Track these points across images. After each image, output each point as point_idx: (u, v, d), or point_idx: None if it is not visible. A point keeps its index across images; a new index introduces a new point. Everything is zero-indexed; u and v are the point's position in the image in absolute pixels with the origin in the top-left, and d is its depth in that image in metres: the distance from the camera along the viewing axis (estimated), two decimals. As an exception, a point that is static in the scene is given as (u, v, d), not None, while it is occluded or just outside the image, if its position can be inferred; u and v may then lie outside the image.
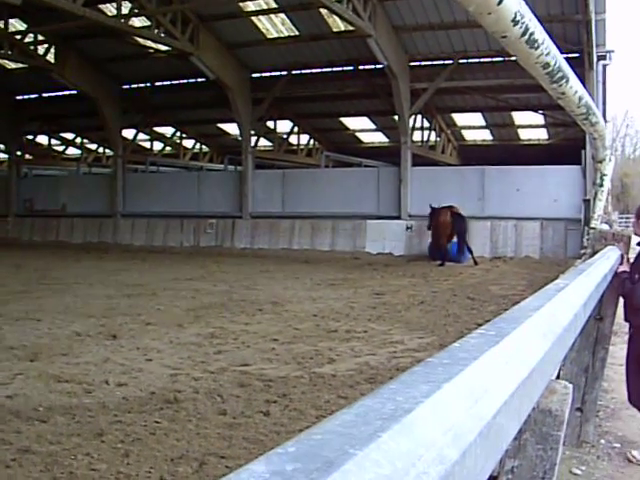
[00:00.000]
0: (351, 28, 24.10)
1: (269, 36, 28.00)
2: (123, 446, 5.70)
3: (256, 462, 0.83)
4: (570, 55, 22.35)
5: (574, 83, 6.76)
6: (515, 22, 4.21)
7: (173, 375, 8.10)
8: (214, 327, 11.27)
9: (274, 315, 12.72)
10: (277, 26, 27.46)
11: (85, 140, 43.34)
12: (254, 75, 30.70)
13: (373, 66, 27.45)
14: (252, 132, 31.34)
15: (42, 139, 42.74)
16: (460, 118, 36.85)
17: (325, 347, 9.84)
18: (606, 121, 25.04)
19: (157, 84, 33.26)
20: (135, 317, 12.14)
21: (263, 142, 37.14)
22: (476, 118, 36.39)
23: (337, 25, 26.14)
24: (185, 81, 32.22)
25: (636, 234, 6.29)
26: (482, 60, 27.58)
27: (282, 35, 27.89)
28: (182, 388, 7.49)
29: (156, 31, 24.30)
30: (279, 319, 12.28)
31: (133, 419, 6.41)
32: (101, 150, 43.83)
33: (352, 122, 38.54)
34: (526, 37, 4.52)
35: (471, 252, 23.30)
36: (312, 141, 40.48)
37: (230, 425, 6.33)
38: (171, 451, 5.62)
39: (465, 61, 27.48)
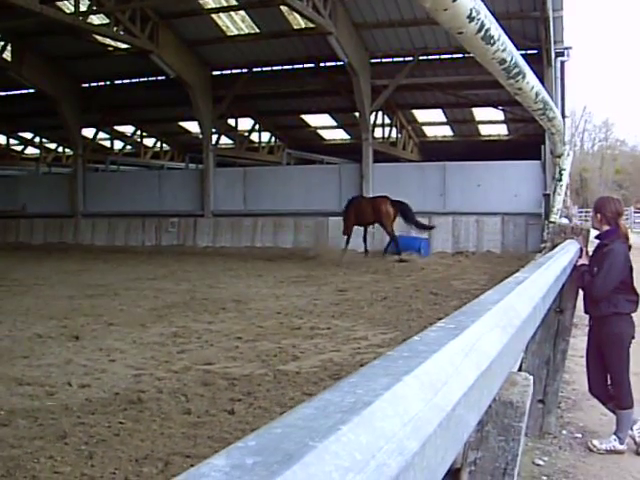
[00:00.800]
0: (311, 25, 24.06)
1: (229, 33, 27.85)
2: (87, 448, 5.65)
3: (217, 456, 0.83)
4: (529, 52, 22.64)
5: (531, 79, 6.84)
6: (471, 18, 4.25)
7: (136, 375, 8.05)
8: (177, 326, 11.21)
9: (237, 313, 12.69)
10: (237, 23, 27.33)
11: (44, 139, 42.82)
12: (215, 73, 30.56)
13: (334, 63, 27.39)
14: (213, 130, 31.21)
15: (0, 139, 42.19)
16: (421, 114, 37.00)
17: (289, 344, 9.84)
18: (564, 117, 25.35)
19: (117, 82, 32.93)
20: (97, 318, 12.03)
21: (224, 140, 36.99)
22: (437, 114, 36.56)
23: (298, 22, 26.09)
24: (145, 79, 31.90)
25: (595, 228, 6.37)
26: (442, 57, 27.68)
27: (242, 32, 27.76)
28: (146, 388, 7.44)
29: (115, 29, 24.02)
30: (242, 317, 12.25)
31: (96, 420, 6.36)
32: (61, 149, 43.40)
33: (313, 119, 38.54)
34: (482, 33, 4.56)
35: (397, 244, 23.37)
36: (273, 139, 40.42)
37: (194, 424, 6.31)
38: (135, 452, 5.58)
39: (425, 58, 27.59)
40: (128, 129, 40.63)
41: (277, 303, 13.96)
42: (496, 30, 4.80)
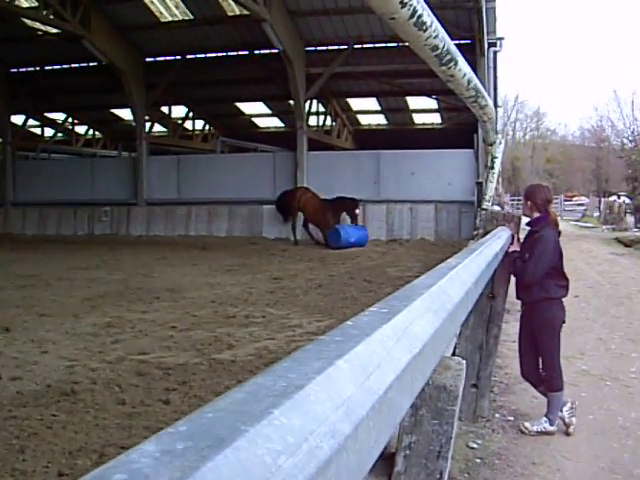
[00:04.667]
0: (246, 12, 23.96)
1: (163, 20, 27.53)
2: (18, 442, 5.54)
3: (147, 442, 0.82)
4: (462, 42, 22.82)
5: (463, 66, 6.90)
6: (403, 4, 4.26)
7: (69, 367, 7.92)
8: (111, 316, 11.06)
9: (172, 302, 12.59)
10: (171, 9, 27.02)
11: (-29, 127, 41.77)
12: (148, 60, 30.19)
13: (268, 51, 27.31)
14: (146, 118, 30.85)
15: None
16: (355, 103, 37.09)
17: (224, 333, 9.81)
18: (497, 106, 25.68)
19: (47, 68, 32.21)
20: (29, 309, 11.79)
21: (158, 128, 36.63)
22: (371, 103, 36.72)
23: (232, 9, 25.93)
24: (77, 65, 31.34)
25: (526, 215, 6.48)
26: (377, 45, 27.80)
27: (176, 19, 27.45)
28: (79, 379, 7.33)
29: (45, 12, 23.54)
30: (177, 306, 12.16)
31: (28, 413, 6.24)
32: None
33: (248, 107, 38.35)
34: (414, 19, 4.58)
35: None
36: (207, 126, 40.11)
37: (129, 415, 6.24)
38: (69, 444, 5.49)
39: (360, 46, 27.64)
40: (59, 116, 39.84)
41: (212, 292, 13.90)
42: (429, 17, 4.83)
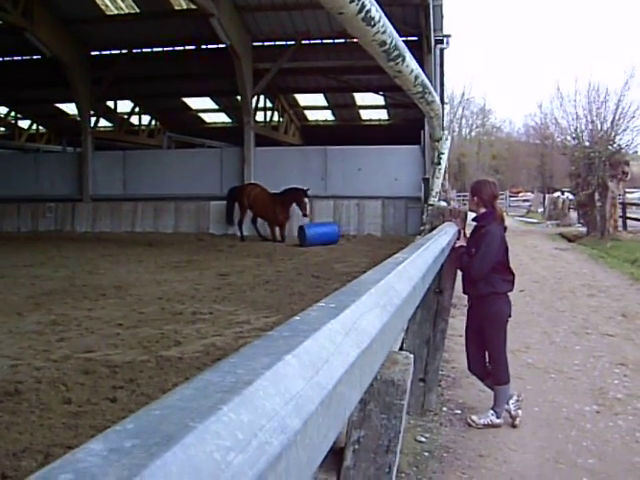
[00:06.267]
0: (193, 7, 23.81)
1: (108, 13, 27.16)
2: (-40, 443, 5.44)
3: (94, 441, 0.81)
4: (409, 39, 22.97)
5: (410, 62, 6.94)
6: None
7: (13, 366, 7.79)
8: (56, 314, 10.91)
9: (118, 300, 12.46)
10: (117, 2, 26.68)
11: None
12: (93, 53, 29.76)
13: (216, 45, 27.17)
14: (91, 112, 30.43)
15: None
16: (303, 98, 37.13)
17: (171, 330, 9.74)
18: (444, 102, 25.93)
19: (-13, 61, 31.65)
20: (-30, 307, 11.59)
21: (103, 123, 36.17)
22: (318, 99, 36.77)
23: (179, 3, 25.75)
24: (19, 58, 30.77)
25: (472, 210, 6.53)
26: (324, 41, 27.85)
27: (122, 12, 27.12)
28: (23, 379, 7.21)
29: (-16, 3, 23.06)
30: (123, 303, 12.04)
31: (-30, 413, 6.13)
32: None
33: (194, 102, 38.14)
34: (362, 14, 4.59)
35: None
36: (154, 121, 39.77)
37: (76, 414, 6.16)
38: (13, 445, 5.39)
39: (307, 42, 27.69)
40: (1, 110, 39.15)
41: (158, 288, 13.79)
42: (377, 12, 4.85)
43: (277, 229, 24.41)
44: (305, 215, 23.78)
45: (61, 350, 8.57)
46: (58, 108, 38.81)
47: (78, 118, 30.65)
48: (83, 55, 28.95)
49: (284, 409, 1.06)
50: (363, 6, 4.47)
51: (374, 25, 4.92)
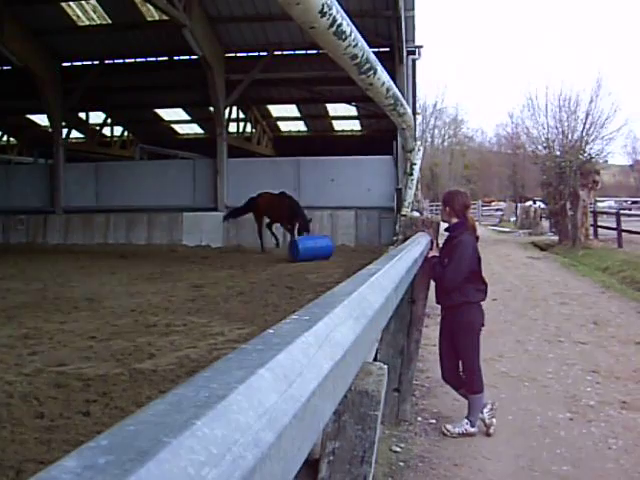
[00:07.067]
0: (165, 18, 23.77)
1: (80, 23, 27.07)
2: None
3: (67, 458, 0.81)
4: (381, 50, 23.08)
5: (382, 75, 6.98)
6: (323, 13, 4.29)
7: (-16, 380, 7.71)
8: (28, 327, 10.79)
9: (91, 312, 12.36)
10: (88, 13, 26.61)
11: None
12: (65, 64, 29.62)
13: (188, 57, 27.16)
14: (63, 124, 30.28)
15: None
16: (275, 109, 37.20)
17: (144, 342, 9.68)
18: (416, 113, 26.04)
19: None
20: (-60, 321, 11.45)
21: (75, 134, 36.00)
22: (291, 110, 36.85)
23: (151, 14, 25.72)
24: (-12, 69, 30.56)
25: (444, 220, 6.57)
26: (297, 52, 27.95)
27: (94, 23, 27.05)
28: (-6, 393, 7.14)
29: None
30: (96, 316, 11.94)
31: (-59, 428, 6.05)
32: None
33: (167, 114, 38.07)
34: (334, 28, 4.62)
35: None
36: (126, 133, 39.63)
37: (48, 428, 6.09)
38: (-16, 461, 5.34)
39: (280, 53, 27.75)
40: (-30, 122, 38.88)
41: (131, 301, 13.71)
42: (348, 26, 4.87)
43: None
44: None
45: (33, 364, 8.48)
46: (29, 119, 38.59)
47: (50, 129, 30.45)
48: (54, 66, 28.83)
49: (258, 423, 1.06)
50: (334, 20, 4.50)
51: (345, 39, 4.95)
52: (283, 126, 39.75)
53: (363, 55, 5.72)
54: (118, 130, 38.99)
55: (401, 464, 5.43)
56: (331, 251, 22.08)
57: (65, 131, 30.79)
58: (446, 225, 6.45)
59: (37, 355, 8.97)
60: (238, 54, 28.14)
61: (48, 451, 5.52)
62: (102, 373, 7.96)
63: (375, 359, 4.55)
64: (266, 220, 23.70)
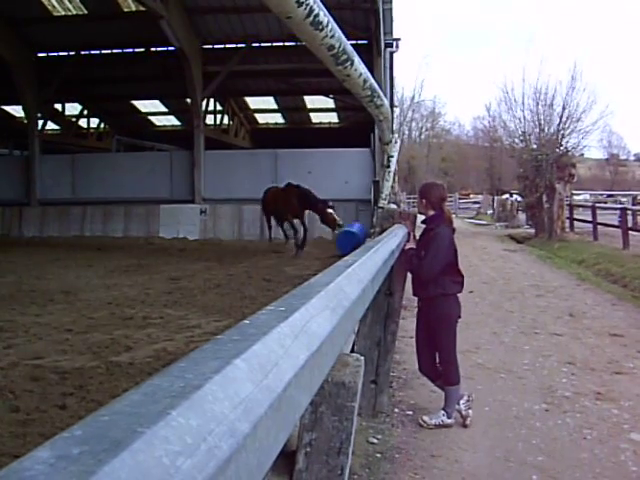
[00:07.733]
0: (142, 9, 23.62)
1: (55, 13, 26.80)
2: None
3: (41, 448, 0.80)
4: (359, 42, 23.07)
5: (359, 66, 6.97)
6: (299, 3, 4.28)
7: (-41, 373, 7.64)
8: (3, 320, 10.71)
9: (67, 305, 12.29)
10: (64, 3, 26.34)
11: None
12: (40, 55, 29.33)
13: (165, 48, 26.98)
14: (39, 115, 30.02)
15: None
16: (253, 101, 37.11)
17: (121, 335, 9.64)
18: (393, 106, 26.06)
19: None
20: None
21: (51, 126, 35.71)
22: (268, 102, 36.77)
23: (128, 5, 25.52)
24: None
25: (421, 213, 6.58)
26: (274, 44, 27.83)
27: (70, 13, 26.78)
28: (-31, 387, 7.08)
29: None
30: (72, 309, 11.88)
31: None
32: None
33: (144, 105, 37.85)
34: (311, 19, 4.61)
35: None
36: (103, 124, 39.38)
37: (24, 422, 6.05)
38: (-42, 455, 5.29)
39: (257, 45, 27.64)
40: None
41: (108, 293, 13.65)
42: (325, 16, 4.86)
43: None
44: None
45: (8, 357, 8.42)
46: (4, 110, 38.19)
47: (25, 121, 30.19)
48: (29, 56, 28.53)
49: (233, 413, 1.06)
50: (311, 10, 4.49)
51: (322, 29, 4.94)
52: (260, 118, 39.67)
53: (340, 46, 5.71)
54: (94, 122, 38.74)
55: (378, 455, 5.44)
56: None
57: (41, 122, 30.52)
58: (423, 217, 6.46)
59: (12, 348, 8.91)
60: (215, 46, 27.97)
61: (24, 444, 5.48)
62: (78, 366, 7.93)
63: (352, 351, 4.56)
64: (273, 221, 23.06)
